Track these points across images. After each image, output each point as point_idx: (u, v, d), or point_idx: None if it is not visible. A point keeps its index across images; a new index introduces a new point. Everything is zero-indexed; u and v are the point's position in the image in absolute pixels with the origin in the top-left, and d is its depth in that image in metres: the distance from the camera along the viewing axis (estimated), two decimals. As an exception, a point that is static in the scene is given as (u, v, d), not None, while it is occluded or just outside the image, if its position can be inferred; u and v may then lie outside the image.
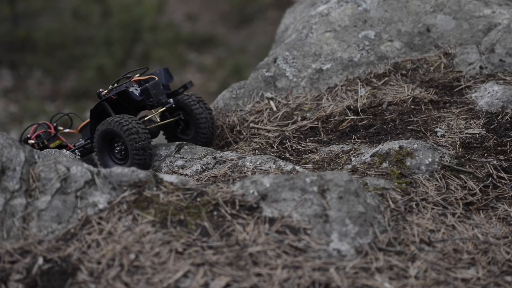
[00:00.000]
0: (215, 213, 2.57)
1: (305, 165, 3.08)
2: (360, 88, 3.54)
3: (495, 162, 2.99)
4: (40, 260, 2.40)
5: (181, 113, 3.47)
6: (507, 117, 3.22)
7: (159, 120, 3.46)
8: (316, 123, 3.42)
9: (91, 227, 2.52)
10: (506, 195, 2.84)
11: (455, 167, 2.93)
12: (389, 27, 3.80)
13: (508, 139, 3.10)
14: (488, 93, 3.37)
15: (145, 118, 3.37)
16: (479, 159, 3.01)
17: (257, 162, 3.03)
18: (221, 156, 3.18)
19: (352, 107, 3.42)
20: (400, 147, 2.96)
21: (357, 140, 3.25)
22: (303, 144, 3.27)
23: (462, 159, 3.00)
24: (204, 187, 2.66)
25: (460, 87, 3.49)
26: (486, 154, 3.04)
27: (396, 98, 3.43)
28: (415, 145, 2.97)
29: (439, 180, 2.86)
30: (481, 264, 2.50)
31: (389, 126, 3.29)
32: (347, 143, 3.23)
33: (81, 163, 2.72)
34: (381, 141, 3.17)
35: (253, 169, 2.99)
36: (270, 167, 3.02)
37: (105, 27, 10.02)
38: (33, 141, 3.58)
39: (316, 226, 2.52)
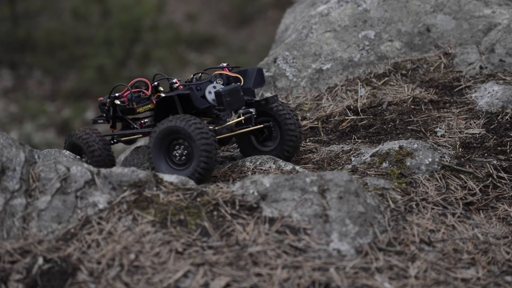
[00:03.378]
0: (215, 213, 2.57)
1: (305, 165, 3.07)
2: (360, 88, 3.54)
3: (495, 162, 2.99)
4: (40, 260, 2.40)
5: (269, 120, 3.03)
6: (507, 117, 3.22)
7: (234, 129, 3.00)
8: (316, 123, 3.42)
9: (91, 227, 2.52)
10: (506, 195, 2.84)
11: (455, 167, 2.93)
12: (389, 27, 3.80)
13: (508, 139, 3.10)
14: (488, 93, 3.37)
15: (220, 126, 2.94)
16: (479, 159, 3.00)
17: (257, 162, 3.03)
18: (221, 156, 3.18)
19: (352, 107, 3.42)
20: (400, 147, 2.96)
21: (357, 140, 3.25)
22: (303, 144, 3.26)
23: (462, 159, 3.00)
24: (204, 187, 2.66)
25: (460, 87, 3.49)
26: (486, 154, 3.04)
27: (396, 98, 3.43)
28: (415, 145, 2.97)
29: (439, 180, 2.86)
30: (481, 264, 2.50)
31: (389, 126, 3.29)
32: (347, 143, 3.23)
33: (81, 163, 2.71)
34: (381, 141, 3.17)
35: (253, 169, 2.99)
36: (270, 167, 3.02)
37: (105, 27, 10.02)
38: (118, 102, 3.16)
39: (316, 226, 2.52)
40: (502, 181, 2.90)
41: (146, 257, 2.41)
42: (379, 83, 3.56)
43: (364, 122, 3.33)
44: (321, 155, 3.15)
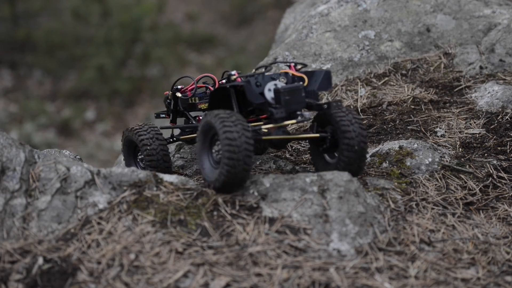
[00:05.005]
0: (215, 213, 2.57)
1: (305, 165, 3.07)
2: (360, 88, 3.54)
3: (495, 162, 2.99)
4: (40, 260, 2.40)
5: (329, 127, 2.74)
6: (507, 117, 3.22)
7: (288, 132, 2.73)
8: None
9: (91, 227, 2.52)
10: (506, 195, 2.84)
11: (455, 167, 2.93)
12: (389, 27, 3.80)
13: (508, 139, 3.10)
14: (488, 93, 3.37)
15: (274, 126, 2.66)
16: (479, 159, 3.00)
17: (257, 162, 3.02)
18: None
19: (352, 107, 3.42)
20: (400, 147, 2.96)
21: (357, 140, 3.24)
22: (303, 144, 3.26)
23: (462, 159, 3.00)
24: (204, 187, 2.66)
25: (460, 87, 3.49)
26: (486, 154, 3.04)
27: (396, 98, 3.43)
28: (415, 145, 2.97)
29: (439, 180, 2.86)
30: (481, 264, 2.50)
31: (389, 126, 3.29)
32: (347, 143, 3.23)
33: (81, 163, 2.71)
34: (381, 141, 3.17)
35: (253, 169, 2.99)
36: (270, 167, 3.02)
37: (105, 27, 10.02)
38: (180, 94, 3.01)
39: (316, 226, 2.52)
40: (502, 181, 2.90)
41: (146, 257, 2.41)
42: (379, 83, 3.56)
43: (364, 122, 3.33)
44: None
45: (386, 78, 3.59)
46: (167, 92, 3.08)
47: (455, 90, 3.48)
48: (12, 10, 10.19)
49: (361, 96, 3.48)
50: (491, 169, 2.94)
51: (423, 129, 3.22)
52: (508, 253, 2.57)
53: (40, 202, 2.58)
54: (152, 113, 8.47)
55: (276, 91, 2.63)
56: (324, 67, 3.66)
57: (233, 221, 2.54)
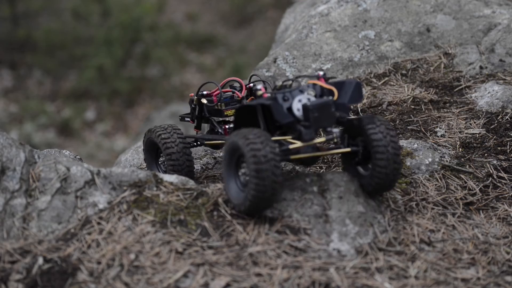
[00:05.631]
0: (215, 213, 2.57)
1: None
2: (360, 88, 3.54)
3: (495, 162, 2.99)
4: (40, 260, 2.40)
5: (360, 140, 2.60)
6: (507, 117, 3.22)
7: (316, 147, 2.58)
8: (316, 123, 3.42)
9: (91, 227, 2.52)
10: (506, 195, 2.84)
11: (455, 167, 2.93)
12: (389, 27, 3.80)
13: (508, 139, 3.10)
14: (488, 93, 3.37)
15: (303, 145, 2.52)
16: (479, 159, 3.00)
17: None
18: (221, 156, 3.18)
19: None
20: (400, 147, 2.96)
21: (357, 140, 3.25)
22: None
23: (462, 159, 3.00)
24: (204, 187, 2.66)
25: (460, 87, 3.49)
26: (486, 154, 3.04)
27: (396, 98, 3.43)
28: (415, 145, 2.97)
29: (439, 180, 2.86)
30: (481, 264, 2.50)
31: (389, 126, 3.29)
32: (347, 143, 3.23)
33: (81, 163, 2.71)
34: (381, 141, 3.17)
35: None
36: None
37: (105, 27, 10.02)
38: (205, 101, 2.90)
39: (316, 226, 2.52)
40: (502, 181, 2.90)
41: (146, 257, 2.41)
42: (379, 83, 3.56)
43: (364, 122, 3.33)
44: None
45: (386, 78, 3.59)
46: (193, 94, 2.98)
47: (455, 90, 3.48)
48: (12, 10, 10.19)
49: (361, 96, 3.48)
50: (491, 169, 2.94)
51: (423, 129, 3.22)
52: (508, 253, 2.57)
53: (40, 202, 2.58)
54: (152, 113, 8.49)
55: (305, 107, 2.49)
56: (324, 67, 3.66)
57: (233, 221, 2.54)
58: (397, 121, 3.30)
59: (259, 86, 2.59)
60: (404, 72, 3.62)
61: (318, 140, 2.51)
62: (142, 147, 2.99)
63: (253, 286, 2.32)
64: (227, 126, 2.87)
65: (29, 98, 9.39)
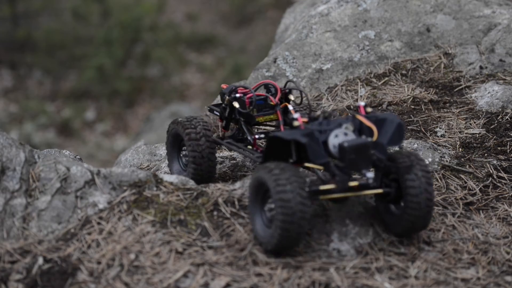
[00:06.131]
0: (215, 213, 2.57)
1: (305, 165, 3.07)
2: (360, 88, 3.54)
3: (495, 162, 2.99)
4: (40, 260, 2.40)
5: (393, 180, 2.46)
6: (507, 117, 3.22)
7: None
8: (316, 123, 3.42)
9: (91, 227, 2.52)
10: (506, 195, 2.84)
11: (455, 167, 2.93)
12: (389, 27, 3.80)
13: (508, 139, 3.10)
14: (488, 93, 3.37)
15: (334, 186, 2.38)
16: (479, 159, 3.01)
17: (256, 162, 3.02)
18: (221, 156, 3.18)
19: (352, 107, 3.42)
20: (400, 147, 2.96)
21: (357, 140, 3.24)
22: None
23: (462, 159, 3.00)
24: (204, 187, 2.66)
25: (460, 87, 3.49)
26: (486, 154, 3.04)
27: (396, 98, 3.43)
28: (415, 145, 2.97)
29: (439, 180, 2.86)
30: (481, 264, 2.50)
31: (389, 126, 3.29)
32: (347, 143, 3.22)
33: (81, 163, 2.71)
34: (381, 141, 3.17)
35: (253, 169, 2.99)
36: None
37: (105, 27, 10.02)
38: (237, 105, 2.74)
39: (316, 226, 2.52)
40: (502, 181, 2.90)
41: (146, 257, 2.41)
42: (379, 83, 3.56)
43: (364, 122, 3.33)
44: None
45: (386, 78, 3.59)
46: (225, 85, 2.85)
47: (455, 90, 3.48)
48: (12, 10, 10.19)
49: (361, 96, 3.48)
50: (491, 169, 2.94)
51: (423, 129, 3.22)
52: (508, 253, 2.57)
53: (40, 202, 2.58)
54: (152, 113, 8.49)
55: (341, 147, 2.34)
56: (324, 67, 3.66)
57: (233, 221, 2.54)
58: (397, 121, 3.31)
59: (296, 115, 2.44)
60: (404, 72, 3.62)
61: (351, 184, 2.39)
62: (166, 140, 2.90)
63: (253, 286, 2.32)
64: (257, 137, 2.71)
65: (29, 98, 9.39)
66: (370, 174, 2.36)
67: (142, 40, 10.11)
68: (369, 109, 2.47)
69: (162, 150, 3.30)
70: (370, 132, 2.41)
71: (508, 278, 2.46)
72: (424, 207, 2.40)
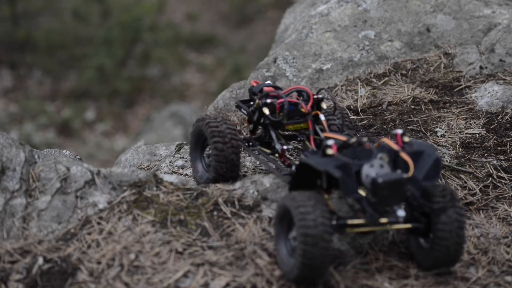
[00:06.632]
0: (215, 213, 2.57)
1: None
2: (360, 88, 3.54)
3: (495, 162, 2.99)
4: (40, 260, 2.40)
5: (422, 213, 2.36)
6: (507, 117, 3.22)
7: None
8: (316, 123, 3.42)
9: (91, 227, 2.52)
10: (506, 195, 2.84)
11: (455, 167, 2.93)
12: (389, 27, 3.80)
13: (508, 139, 3.10)
14: (488, 93, 3.37)
15: (363, 222, 2.29)
16: (479, 159, 3.01)
17: (257, 162, 3.02)
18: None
19: (352, 107, 3.42)
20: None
21: (357, 140, 3.24)
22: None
23: (462, 159, 3.00)
24: (204, 187, 2.66)
25: (460, 87, 3.49)
26: (486, 154, 3.04)
27: (396, 98, 3.43)
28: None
29: (439, 180, 2.86)
30: (481, 264, 2.50)
31: (389, 126, 3.29)
32: (347, 143, 3.22)
33: (81, 163, 2.71)
34: (381, 141, 3.17)
35: (253, 169, 2.99)
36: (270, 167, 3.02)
37: (105, 27, 10.02)
38: (267, 112, 2.60)
39: (316, 226, 2.52)
40: (502, 181, 2.90)
41: (146, 257, 2.41)
42: (379, 83, 3.56)
43: (364, 122, 3.33)
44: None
45: (386, 78, 3.59)
46: (255, 82, 2.75)
47: (455, 90, 3.48)
48: (12, 10, 10.19)
49: (361, 96, 3.48)
50: (491, 169, 2.94)
51: (423, 129, 3.22)
52: (508, 253, 2.57)
53: (40, 202, 2.58)
54: (152, 113, 8.49)
55: (375, 183, 2.21)
56: (324, 67, 3.66)
57: (233, 221, 2.54)
58: (397, 121, 3.30)
59: (330, 143, 2.29)
60: (404, 72, 3.62)
61: (381, 221, 2.29)
62: (190, 139, 2.82)
63: (253, 286, 2.32)
64: (285, 147, 2.58)
65: (29, 98, 9.38)
66: (401, 213, 2.27)
67: (142, 40, 10.11)
68: (406, 139, 2.34)
69: (162, 150, 3.30)
70: (405, 166, 2.29)
71: (508, 278, 2.46)
72: (453, 251, 2.32)
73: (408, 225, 2.34)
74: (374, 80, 3.59)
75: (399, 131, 2.33)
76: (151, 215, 2.55)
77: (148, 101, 9.59)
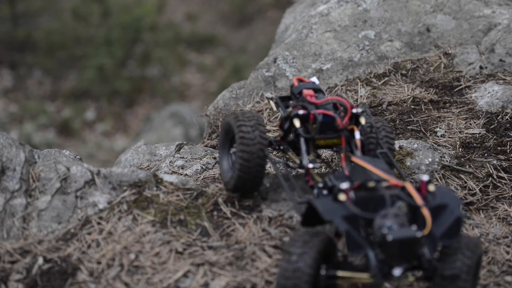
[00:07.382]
0: (215, 213, 2.57)
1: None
2: (360, 88, 3.54)
3: (495, 162, 2.99)
4: (40, 260, 2.40)
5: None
6: (507, 117, 3.22)
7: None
8: (316, 123, 3.41)
9: (91, 227, 2.52)
10: (506, 195, 2.84)
11: (455, 167, 2.93)
12: (389, 27, 3.80)
13: (508, 139, 3.10)
14: (488, 93, 3.37)
15: (366, 276, 2.06)
16: (479, 159, 3.01)
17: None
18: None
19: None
20: (400, 147, 2.96)
21: (357, 140, 3.24)
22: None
23: (462, 159, 3.00)
24: (204, 187, 2.66)
25: (460, 87, 3.49)
26: (486, 154, 3.04)
27: (396, 98, 3.43)
28: (415, 145, 2.97)
29: (439, 180, 2.86)
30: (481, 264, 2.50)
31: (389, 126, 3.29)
32: (347, 143, 3.22)
33: (81, 163, 2.71)
34: (381, 141, 3.17)
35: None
36: (270, 167, 3.02)
37: (105, 27, 10.01)
38: (299, 124, 2.41)
39: (316, 226, 2.52)
40: (502, 181, 2.90)
41: (146, 257, 2.41)
42: (379, 83, 3.56)
43: (364, 122, 3.33)
44: (321, 155, 3.15)
45: (386, 78, 3.59)
46: (300, 80, 2.58)
47: (455, 90, 3.48)
48: (12, 10, 10.19)
49: (361, 96, 3.48)
50: (491, 169, 2.94)
51: (423, 129, 3.22)
52: (508, 253, 2.57)
53: (40, 202, 2.58)
54: (152, 113, 8.48)
55: (384, 239, 1.98)
56: (324, 67, 3.65)
57: (233, 221, 2.54)
58: (397, 121, 3.31)
59: (344, 186, 2.09)
60: (404, 72, 3.62)
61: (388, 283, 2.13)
62: (219, 136, 2.71)
63: (253, 286, 2.33)
64: (311, 166, 2.37)
65: (29, 98, 9.38)
66: (398, 272, 2.02)
67: (142, 40, 10.11)
68: (431, 188, 2.13)
69: (162, 150, 3.30)
70: (423, 220, 2.08)
71: (508, 278, 2.46)
72: None
73: (411, 279, 2.11)
74: (374, 80, 3.59)
75: (425, 178, 2.14)
76: (151, 215, 2.55)
77: (148, 101, 9.58)
